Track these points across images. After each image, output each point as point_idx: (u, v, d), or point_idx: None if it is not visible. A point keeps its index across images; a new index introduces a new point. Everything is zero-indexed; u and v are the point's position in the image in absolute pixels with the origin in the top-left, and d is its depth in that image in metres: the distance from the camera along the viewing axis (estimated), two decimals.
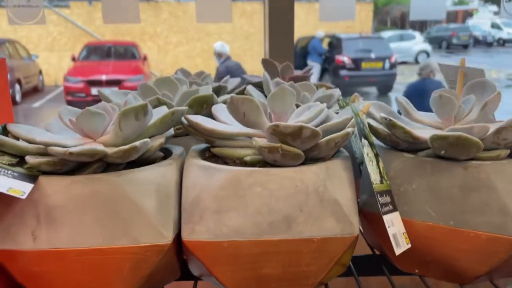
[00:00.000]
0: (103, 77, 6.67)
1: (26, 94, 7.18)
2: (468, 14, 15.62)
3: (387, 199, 0.43)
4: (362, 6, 10.48)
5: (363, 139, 0.44)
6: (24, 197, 0.36)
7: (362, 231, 0.55)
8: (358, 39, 7.57)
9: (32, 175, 0.39)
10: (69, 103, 6.58)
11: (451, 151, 0.42)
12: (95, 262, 0.40)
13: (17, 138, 0.44)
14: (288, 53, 1.05)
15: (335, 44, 7.58)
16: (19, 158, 0.41)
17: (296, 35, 1.11)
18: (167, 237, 0.41)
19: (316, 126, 0.41)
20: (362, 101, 0.56)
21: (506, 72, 9.40)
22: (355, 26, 9.76)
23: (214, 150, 0.46)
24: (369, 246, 0.57)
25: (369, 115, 0.50)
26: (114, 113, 0.47)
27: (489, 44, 14.05)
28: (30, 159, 0.39)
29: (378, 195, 0.42)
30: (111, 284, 0.41)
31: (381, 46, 7.66)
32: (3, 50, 6.85)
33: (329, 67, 7.47)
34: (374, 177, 0.42)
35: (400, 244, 0.42)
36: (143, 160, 0.45)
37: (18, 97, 6.74)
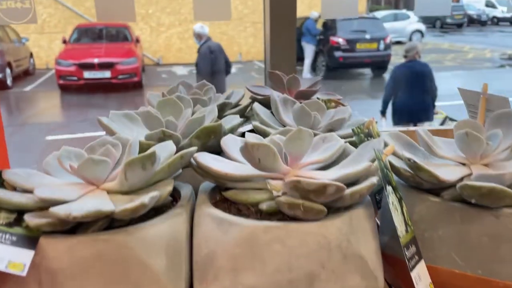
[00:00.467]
0: (95, 60, 6.56)
1: (17, 78, 7.05)
2: None
3: (413, 249, 0.40)
4: None
5: (387, 186, 0.41)
6: (24, 273, 0.33)
7: None
8: (353, 20, 7.45)
9: (32, 237, 0.36)
10: (61, 86, 6.49)
11: (483, 200, 0.40)
12: None
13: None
14: (290, 43, 0.99)
15: (330, 25, 7.48)
16: (17, 213, 0.38)
17: None
18: None
19: (336, 171, 0.37)
20: (376, 126, 0.53)
21: (500, 52, 9.38)
22: None
23: (226, 194, 0.43)
24: (388, 284, 0.54)
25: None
26: (117, 152, 0.44)
27: (483, 23, 14.00)
28: (30, 221, 0.35)
29: (405, 248, 0.39)
30: None
31: (376, 27, 7.58)
32: None
33: (324, 49, 7.38)
34: (400, 228, 0.40)
35: None
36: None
37: (9, 81, 6.62)
